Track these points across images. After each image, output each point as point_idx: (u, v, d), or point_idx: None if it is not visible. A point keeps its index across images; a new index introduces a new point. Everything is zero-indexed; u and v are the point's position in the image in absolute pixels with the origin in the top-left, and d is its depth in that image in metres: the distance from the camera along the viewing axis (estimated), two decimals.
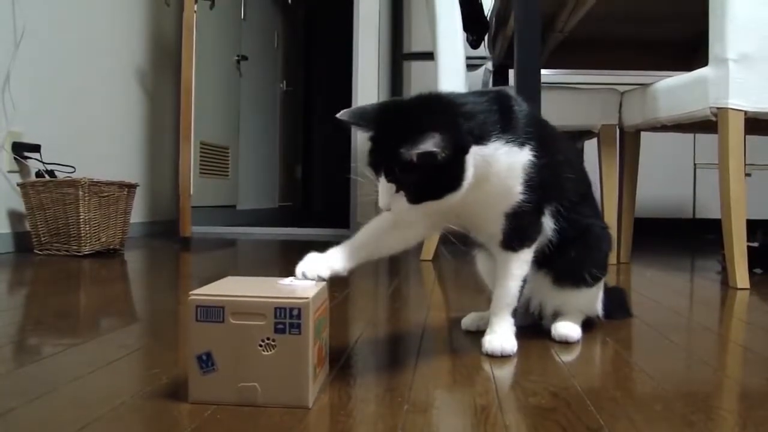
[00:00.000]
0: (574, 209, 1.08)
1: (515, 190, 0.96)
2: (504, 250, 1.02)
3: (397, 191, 0.88)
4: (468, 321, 1.19)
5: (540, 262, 1.08)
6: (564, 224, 1.06)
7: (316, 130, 7.03)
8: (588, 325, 1.20)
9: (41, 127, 2.70)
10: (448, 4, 2.41)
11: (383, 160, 0.89)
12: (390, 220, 1.00)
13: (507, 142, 0.94)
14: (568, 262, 1.09)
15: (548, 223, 1.05)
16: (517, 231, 1.00)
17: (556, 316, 1.16)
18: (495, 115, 0.94)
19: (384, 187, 0.89)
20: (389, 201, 0.89)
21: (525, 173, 0.96)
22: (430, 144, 0.82)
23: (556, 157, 1.05)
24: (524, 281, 1.04)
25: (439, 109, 0.91)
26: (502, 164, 0.94)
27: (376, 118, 0.91)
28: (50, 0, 2.78)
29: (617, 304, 1.33)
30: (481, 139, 0.91)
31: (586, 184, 1.16)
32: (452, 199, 0.89)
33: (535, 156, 0.96)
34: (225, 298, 0.77)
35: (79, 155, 2.89)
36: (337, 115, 0.91)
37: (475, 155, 0.89)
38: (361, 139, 3.95)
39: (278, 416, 0.73)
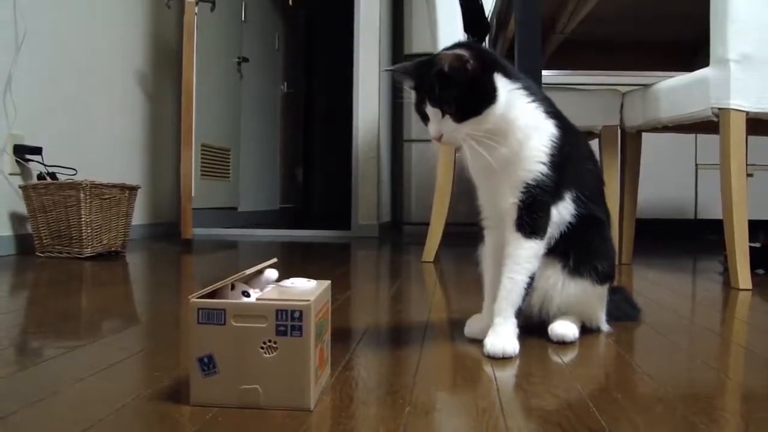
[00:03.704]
0: (593, 200, 1.11)
1: (538, 158, 1.02)
2: (516, 232, 1.05)
3: (443, 116, 0.99)
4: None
5: (553, 248, 1.09)
6: (583, 211, 1.09)
7: (317, 132, 7.03)
8: (589, 328, 1.19)
9: (43, 129, 2.71)
10: (449, 5, 2.41)
11: (425, 92, 1.00)
12: (490, 254, 1.12)
13: (533, 101, 1.03)
14: (583, 248, 1.10)
15: (569, 208, 1.08)
16: (531, 210, 1.03)
17: (559, 314, 1.14)
18: (525, 78, 1.05)
19: (432, 115, 1.00)
20: (439, 127, 1.00)
21: (550, 146, 1.03)
22: (457, 50, 0.96)
23: (580, 148, 1.12)
24: (531, 279, 1.05)
25: (467, 42, 1.05)
26: (528, 118, 1.02)
27: (416, 68, 1.03)
28: (52, 3, 2.78)
29: (624, 302, 1.33)
30: (507, 75, 1.01)
31: (602, 181, 1.19)
32: (492, 114, 0.98)
33: (559, 132, 1.04)
34: (226, 301, 0.77)
35: (81, 158, 2.89)
36: (384, 69, 1.03)
37: (504, 85, 1.00)
38: (361, 142, 3.95)
39: (280, 419, 0.73)
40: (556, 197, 1.07)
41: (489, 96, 0.98)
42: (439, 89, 0.98)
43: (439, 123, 1.00)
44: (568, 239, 1.09)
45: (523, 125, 1.02)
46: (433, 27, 2.49)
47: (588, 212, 1.10)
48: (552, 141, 1.04)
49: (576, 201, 1.09)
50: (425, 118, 1.03)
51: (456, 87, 0.97)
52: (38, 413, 0.75)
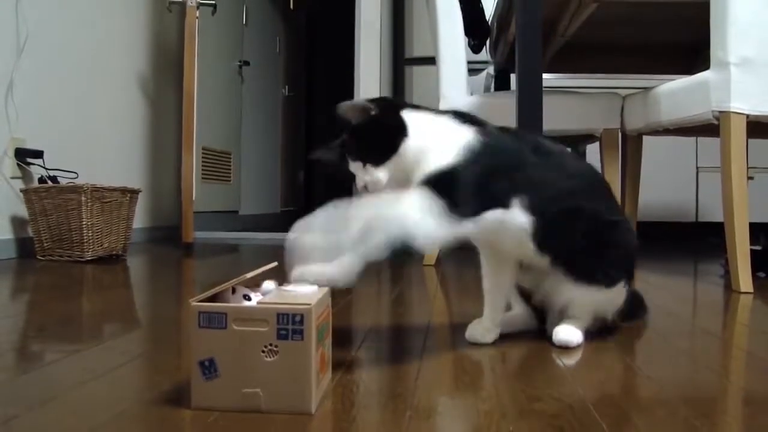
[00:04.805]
0: (565, 202, 1.06)
1: (442, 159, 0.99)
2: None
3: (365, 166, 1.02)
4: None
5: (553, 256, 1.07)
6: (552, 218, 1.04)
7: (318, 135, 7.03)
8: (593, 330, 1.19)
9: (44, 133, 2.71)
10: (449, 8, 2.42)
11: (346, 153, 1.05)
12: (488, 260, 1.14)
13: (447, 119, 1.05)
14: (582, 255, 1.08)
15: (521, 215, 1.02)
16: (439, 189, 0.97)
17: (562, 316, 1.13)
18: (442, 111, 1.08)
19: (355, 170, 1.04)
20: (362, 177, 1.03)
21: (464, 147, 1.00)
22: (358, 102, 1.02)
23: (529, 154, 1.07)
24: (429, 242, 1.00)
25: (373, 98, 1.07)
26: (438, 132, 1.03)
27: (336, 144, 1.08)
28: (53, 7, 2.79)
29: (633, 303, 1.31)
30: (416, 110, 1.06)
31: (596, 180, 1.17)
32: (407, 150, 1.00)
33: (480, 136, 1.02)
34: (227, 304, 0.77)
35: (82, 161, 2.90)
36: (310, 156, 1.07)
37: (412, 119, 1.03)
38: None
39: (281, 422, 0.73)
40: (492, 201, 1.01)
41: (400, 131, 1.01)
42: (356, 143, 1.03)
43: (363, 173, 1.03)
44: (565, 247, 1.07)
45: (431, 141, 1.00)
46: (434, 31, 2.49)
47: (565, 219, 1.06)
48: (464, 145, 0.99)
49: (532, 208, 1.03)
50: (353, 178, 1.05)
51: (368, 135, 1.02)
52: (39, 417, 0.75)
